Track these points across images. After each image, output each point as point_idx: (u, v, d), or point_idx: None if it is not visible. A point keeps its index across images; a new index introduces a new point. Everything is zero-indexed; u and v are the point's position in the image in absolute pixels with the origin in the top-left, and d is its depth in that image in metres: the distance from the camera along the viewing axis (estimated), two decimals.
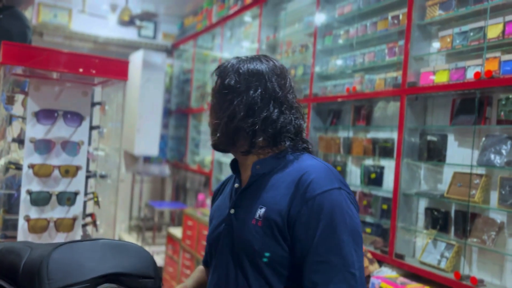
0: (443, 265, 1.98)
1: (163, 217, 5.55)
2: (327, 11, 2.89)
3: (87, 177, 1.55)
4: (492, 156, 1.85)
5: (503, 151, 1.83)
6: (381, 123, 2.52)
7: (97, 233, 1.64)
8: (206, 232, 3.76)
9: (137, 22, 4.89)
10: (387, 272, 2.13)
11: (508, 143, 1.83)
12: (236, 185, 1.12)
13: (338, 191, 0.95)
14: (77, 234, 1.51)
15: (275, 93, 1.06)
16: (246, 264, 1.00)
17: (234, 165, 1.15)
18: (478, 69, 1.90)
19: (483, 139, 1.93)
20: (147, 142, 4.87)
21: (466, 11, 1.99)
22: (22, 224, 1.42)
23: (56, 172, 1.45)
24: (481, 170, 1.94)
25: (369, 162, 2.54)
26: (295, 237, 0.95)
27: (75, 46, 5.12)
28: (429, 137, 2.16)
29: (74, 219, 1.49)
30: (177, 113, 5.59)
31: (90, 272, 0.77)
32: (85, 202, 1.56)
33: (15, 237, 1.43)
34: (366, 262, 2.11)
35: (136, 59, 4.98)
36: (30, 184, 1.43)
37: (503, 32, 1.84)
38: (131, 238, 5.12)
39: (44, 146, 1.45)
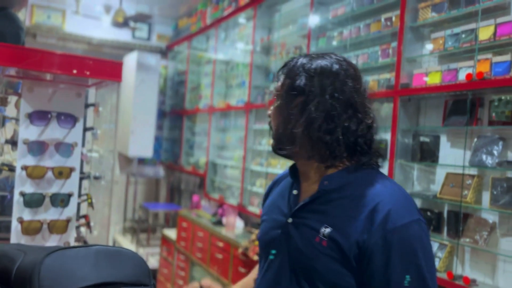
0: (436, 265, 1.99)
1: (158, 218, 5.54)
2: (320, 13, 2.90)
3: (81, 179, 1.55)
4: (484, 156, 1.87)
5: (495, 152, 1.85)
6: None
7: (91, 234, 1.64)
8: (201, 234, 3.78)
9: (131, 24, 4.88)
10: None
11: (500, 143, 1.85)
12: (295, 191, 1.05)
13: (418, 223, 0.90)
14: (71, 236, 1.51)
15: (352, 99, 0.97)
16: (303, 281, 0.96)
17: (293, 170, 1.08)
18: (470, 71, 1.92)
19: (475, 140, 1.94)
20: (141, 144, 4.86)
21: (458, 13, 2.01)
22: (15, 226, 1.42)
23: (49, 174, 1.45)
24: (473, 171, 1.96)
25: None
26: (371, 269, 0.89)
27: (68, 47, 5.10)
28: (422, 138, 2.18)
29: (68, 220, 1.48)
30: (171, 115, 5.58)
31: (81, 280, 0.76)
32: (78, 204, 1.56)
33: (8, 239, 1.43)
34: None
35: (130, 61, 4.97)
36: (23, 185, 1.43)
37: (494, 34, 1.86)
38: (125, 240, 5.11)
39: (38, 147, 1.44)
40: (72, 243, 1.51)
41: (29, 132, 1.43)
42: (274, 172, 3.32)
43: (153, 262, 4.72)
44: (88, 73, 1.42)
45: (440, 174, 2.13)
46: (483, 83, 1.83)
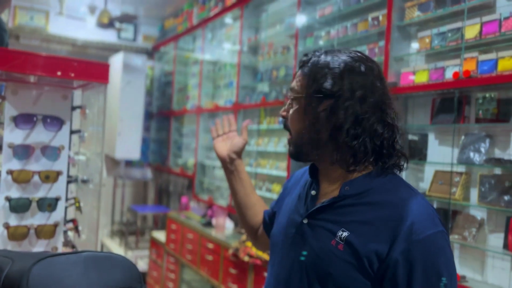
0: None
1: (146, 221, 5.49)
2: (308, 13, 2.91)
3: (68, 182, 1.52)
4: (472, 154, 1.89)
5: (482, 149, 1.87)
6: None
7: (79, 239, 1.61)
8: (190, 236, 3.75)
9: (117, 25, 4.83)
10: None
11: (487, 141, 1.87)
12: (313, 192, 1.02)
13: (441, 234, 0.88)
14: (59, 240, 1.48)
15: (381, 100, 0.93)
16: (315, 283, 0.93)
17: (313, 169, 1.04)
18: (456, 69, 1.94)
19: (463, 137, 1.96)
20: (129, 146, 4.82)
21: (444, 12, 2.03)
22: (1, 231, 1.39)
23: (36, 178, 1.42)
24: (461, 168, 1.98)
25: None
26: (393, 281, 0.86)
27: (52, 49, 5.02)
28: (410, 136, 2.19)
29: (55, 225, 1.46)
30: (158, 116, 5.54)
31: None
32: (66, 208, 1.53)
33: None
34: None
35: (116, 62, 4.92)
36: (9, 190, 1.40)
37: (480, 32, 1.88)
38: (114, 243, 5.05)
39: (23, 151, 1.41)
40: (60, 248, 1.48)
41: (14, 135, 1.40)
42: (263, 173, 3.31)
43: (142, 265, 4.68)
44: (73, 75, 1.39)
45: (428, 172, 2.15)
46: (469, 81, 1.85)
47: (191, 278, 3.83)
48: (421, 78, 2.09)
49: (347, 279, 0.89)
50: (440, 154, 2.09)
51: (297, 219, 1.02)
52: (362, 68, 0.94)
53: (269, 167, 3.23)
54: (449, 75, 1.97)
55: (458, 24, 1.97)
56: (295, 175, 1.21)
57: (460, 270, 1.94)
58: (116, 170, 5.21)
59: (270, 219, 1.23)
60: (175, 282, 3.97)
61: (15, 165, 1.40)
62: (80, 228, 1.59)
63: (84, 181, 1.59)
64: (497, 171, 1.84)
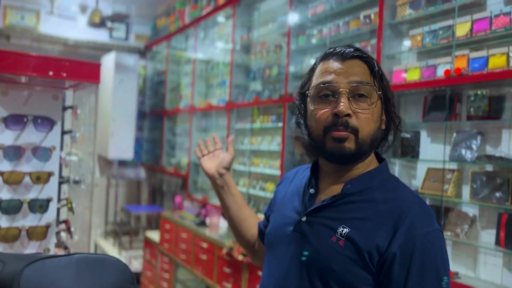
0: None
1: (140, 221, 5.47)
2: (300, 11, 2.91)
3: (60, 183, 1.51)
4: (463, 151, 1.90)
5: (474, 146, 1.88)
6: None
7: (71, 240, 1.60)
8: (184, 235, 3.74)
9: (108, 24, 4.80)
10: None
11: (478, 138, 1.88)
12: (312, 190, 1.03)
13: (437, 233, 0.91)
14: (51, 242, 1.47)
15: (391, 96, 1.00)
16: (316, 280, 0.94)
17: (315, 168, 1.06)
18: (447, 67, 1.95)
19: (454, 134, 1.98)
20: (122, 146, 4.79)
21: (435, 10, 2.04)
22: None
23: (27, 179, 1.41)
24: (453, 165, 1.99)
25: None
26: (390, 276, 0.88)
27: (44, 48, 4.98)
28: (402, 134, 2.20)
29: (47, 226, 1.45)
30: (151, 115, 5.52)
31: None
32: (58, 209, 1.52)
33: None
34: None
35: (108, 61, 4.90)
36: None
37: (471, 30, 1.89)
38: (107, 243, 5.03)
39: (14, 152, 1.40)
40: (52, 249, 1.47)
41: (4, 136, 1.39)
42: (257, 172, 3.31)
43: (136, 265, 4.67)
44: (65, 75, 1.38)
45: (421, 169, 2.16)
46: (461, 79, 1.86)
47: (185, 278, 3.83)
48: (413, 76, 2.10)
49: (348, 274, 0.90)
50: (432, 151, 2.10)
51: (294, 216, 1.02)
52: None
53: (263, 165, 3.23)
54: (440, 72, 1.98)
55: (449, 22, 1.98)
56: (285, 177, 1.22)
57: (452, 266, 1.95)
58: (109, 170, 5.19)
59: (266, 228, 1.22)
60: (170, 281, 3.96)
61: (6, 166, 1.39)
62: (72, 229, 1.58)
63: (76, 182, 1.58)
64: (489, 168, 1.86)
